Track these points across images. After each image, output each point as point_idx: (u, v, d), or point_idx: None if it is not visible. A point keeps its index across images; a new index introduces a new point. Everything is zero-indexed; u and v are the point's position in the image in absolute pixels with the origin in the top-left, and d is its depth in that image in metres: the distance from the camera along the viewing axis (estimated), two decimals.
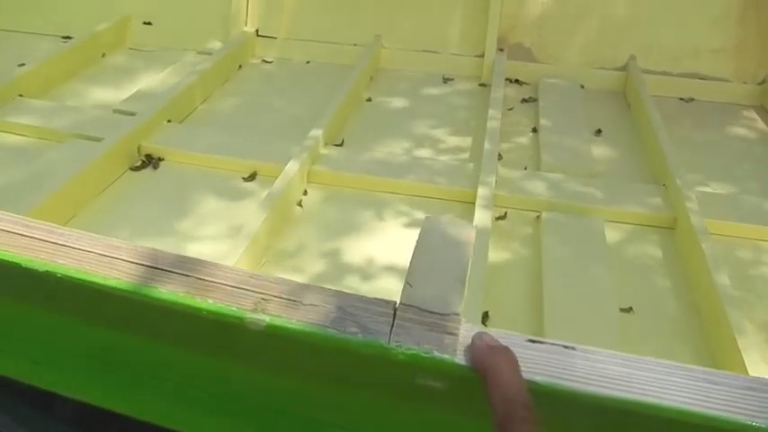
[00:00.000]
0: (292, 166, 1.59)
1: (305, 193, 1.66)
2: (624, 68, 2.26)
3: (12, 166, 1.68)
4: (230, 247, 1.31)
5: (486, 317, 1.26)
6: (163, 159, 1.76)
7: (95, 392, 0.89)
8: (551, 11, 2.31)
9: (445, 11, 2.36)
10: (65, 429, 1.37)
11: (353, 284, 1.36)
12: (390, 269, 1.42)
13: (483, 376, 0.49)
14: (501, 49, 2.30)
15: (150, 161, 1.76)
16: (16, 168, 1.66)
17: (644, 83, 2.11)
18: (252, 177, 1.70)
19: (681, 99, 2.21)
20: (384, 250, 1.46)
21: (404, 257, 1.42)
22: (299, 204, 1.61)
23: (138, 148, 1.76)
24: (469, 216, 1.50)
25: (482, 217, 1.45)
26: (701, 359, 1.22)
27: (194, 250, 1.43)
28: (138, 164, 1.74)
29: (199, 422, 0.75)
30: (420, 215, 1.59)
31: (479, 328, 0.53)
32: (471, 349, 0.52)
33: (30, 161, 1.69)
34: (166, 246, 1.44)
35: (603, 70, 2.28)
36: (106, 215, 1.54)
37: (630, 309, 1.33)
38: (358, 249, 1.46)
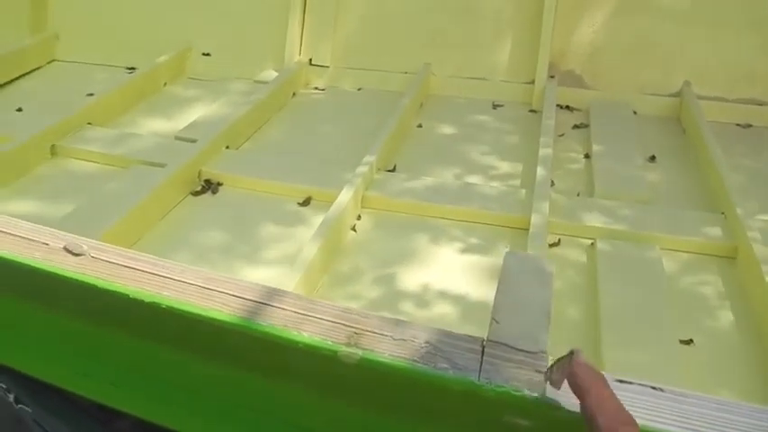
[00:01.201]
0: (346, 192, 1.62)
1: (359, 218, 1.69)
2: (678, 95, 2.24)
3: (81, 191, 1.76)
4: (288, 272, 1.34)
5: (571, 354, 1.25)
6: (222, 184, 1.82)
7: (169, 415, 0.92)
8: (603, 37, 2.31)
9: (494, 38, 2.38)
10: None
11: (409, 311, 1.38)
12: (445, 296, 1.43)
13: (582, 393, 0.50)
14: (552, 76, 2.30)
15: (210, 186, 1.82)
16: (86, 193, 1.74)
17: (699, 108, 2.09)
18: (307, 202, 1.75)
19: (737, 125, 2.17)
20: (438, 276, 1.47)
21: (458, 284, 1.44)
22: (354, 229, 1.64)
23: (199, 174, 1.83)
24: (523, 242, 1.50)
25: (536, 244, 1.45)
26: (767, 395, 1.18)
27: (252, 275, 1.47)
28: (198, 189, 1.80)
29: None
30: (473, 241, 1.60)
31: (571, 349, 0.54)
32: (572, 365, 0.52)
33: (98, 186, 1.77)
34: (226, 270, 1.48)
35: (656, 96, 2.26)
36: (168, 239, 1.60)
37: (691, 341, 1.30)
38: (412, 275, 1.48)
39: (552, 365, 0.52)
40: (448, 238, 1.62)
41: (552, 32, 2.29)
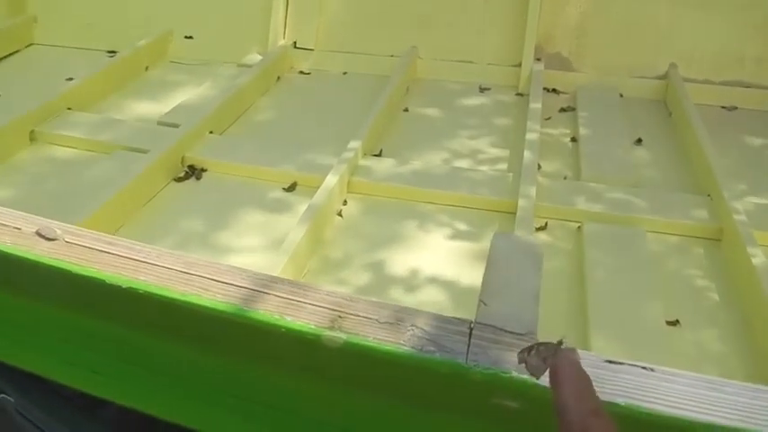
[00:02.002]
0: (332, 177, 1.61)
1: (345, 203, 1.67)
2: (664, 77, 2.24)
3: (62, 177, 1.73)
4: (273, 258, 1.33)
5: (561, 343, 1.25)
6: (206, 170, 1.79)
7: (156, 403, 0.91)
8: (589, 20, 2.30)
9: (481, 21, 2.36)
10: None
11: (397, 296, 1.37)
12: (433, 280, 1.42)
13: (557, 387, 0.44)
14: (538, 59, 2.29)
15: (193, 172, 1.79)
16: (66, 179, 1.71)
17: (685, 91, 2.09)
18: (292, 188, 1.73)
19: (723, 107, 2.17)
20: (426, 261, 1.46)
21: (446, 269, 1.44)
22: (340, 214, 1.63)
23: (182, 160, 1.80)
24: (510, 226, 1.50)
25: (523, 228, 1.45)
26: (752, 374, 1.19)
27: (237, 261, 1.45)
28: (182, 175, 1.78)
29: None
30: (461, 226, 1.59)
31: (561, 338, 0.53)
32: (559, 358, 0.46)
33: (79, 172, 1.74)
34: (210, 256, 1.46)
35: (643, 79, 2.25)
36: (152, 225, 1.58)
37: (677, 322, 1.31)
38: (399, 260, 1.47)
39: (532, 347, 0.48)
40: (435, 222, 1.61)
41: (539, 15, 2.27)
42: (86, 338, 0.84)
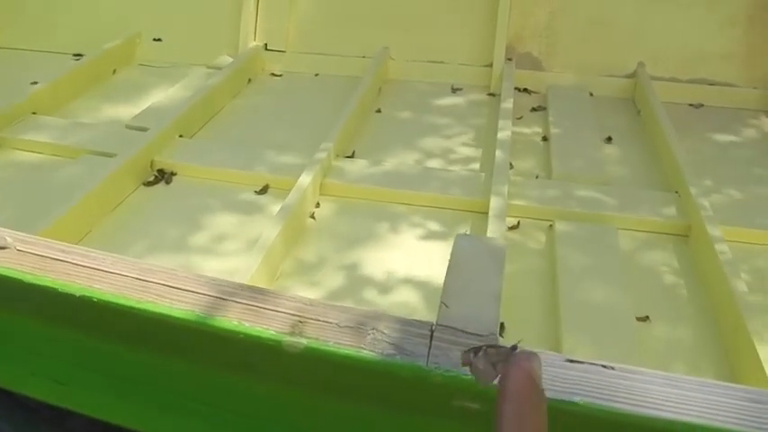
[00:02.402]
0: (304, 179, 1.60)
1: (317, 205, 1.66)
2: (633, 75, 2.27)
3: (26, 183, 1.69)
4: (245, 262, 1.31)
5: (502, 328, 1.26)
6: (175, 174, 1.77)
7: (118, 412, 0.89)
8: (559, 20, 2.32)
9: (452, 21, 2.37)
10: None
11: (371, 297, 1.36)
12: (407, 281, 1.41)
13: (504, 399, 0.39)
14: (509, 59, 2.30)
15: (163, 176, 1.76)
16: (31, 185, 1.67)
17: (653, 90, 2.12)
18: (264, 190, 1.71)
19: (690, 105, 2.21)
20: (399, 262, 1.46)
21: (419, 269, 1.43)
22: (312, 217, 1.62)
23: (151, 164, 1.77)
24: (482, 226, 1.50)
25: (495, 227, 1.46)
26: (720, 368, 1.21)
27: (209, 265, 1.44)
28: (151, 179, 1.75)
29: None
30: (433, 226, 1.59)
31: (517, 342, 0.53)
32: (512, 365, 0.41)
33: (44, 178, 1.70)
34: (180, 261, 1.44)
35: (612, 78, 2.28)
36: (120, 231, 1.55)
37: (647, 317, 1.32)
38: (373, 261, 1.47)
39: (480, 349, 0.45)
40: (408, 223, 1.61)
41: (509, 15, 2.29)
42: (47, 348, 0.81)
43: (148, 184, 1.74)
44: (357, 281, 1.41)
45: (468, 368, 0.43)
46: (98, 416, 0.95)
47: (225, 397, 0.74)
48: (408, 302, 1.34)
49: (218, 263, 1.44)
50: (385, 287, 1.40)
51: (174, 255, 1.46)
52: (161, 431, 0.85)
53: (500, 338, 1.20)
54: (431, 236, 1.56)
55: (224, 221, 1.59)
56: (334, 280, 1.42)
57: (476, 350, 0.43)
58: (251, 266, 1.29)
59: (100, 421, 0.98)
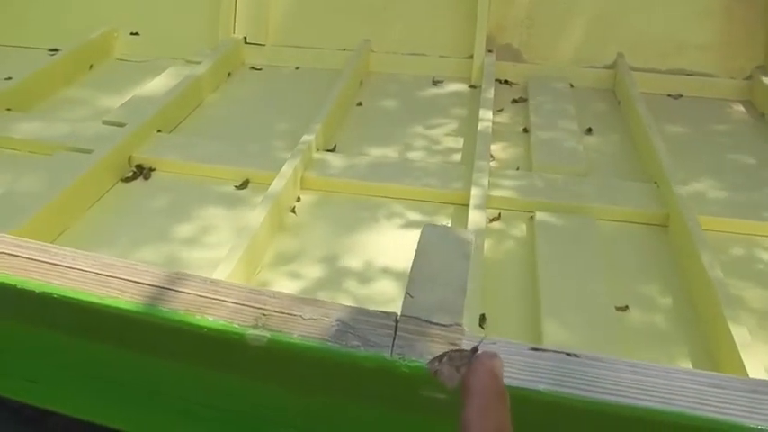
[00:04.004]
0: (285, 173, 1.58)
1: (298, 199, 1.65)
2: (613, 66, 2.27)
3: (0, 181, 1.66)
4: (225, 257, 1.30)
5: (483, 319, 1.26)
6: (154, 170, 1.75)
7: (92, 409, 0.88)
8: (539, 11, 2.32)
9: (433, 13, 2.36)
10: None
11: (351, 289, 1.36)
12: (387, 273, 1.41)
13: (468, 397, 0.41)
14: (490, 51, 2.30)
15: (141, 172, 1.74)
16: (5, 183, 1.64)
17: (633, 80, 2.13)
18: (244, 185, 1.70)
19: (669, 96, 2.22)
20: (380, 255, 1.46)
21: (400, 261, 1.43)
22: (293, 211, 1.61)
23: (129, 159, 1.75)
24: (463, 218, 1.50)
25: (476, 219, 1.46)
26: (699, 355, 1.22)
27: (189, 261, 1.42)
28: (130, 175, 1.73)
29: None
30: (414, 218, 1.59)
31: (481, 338, 0.53)
32: (475, 363, 0.43)
33: (19, 175, 1.67)
34: (161, 257, 1.43)
35: (592, 69, 2.29)
36: (98, 228, 1.53)
37: (626, 307, 1.33)
38: (354, 254, 1.46)
39: (444, 355, 0.45)
40: (389, 216, 1.60)
41: (489, 7, 2.28)
42: (16, 347, 0.80)
43: (127, 180, 1.72)
44: (337, 273, 1.41)
45: (435, 375, 0.44)
46: (72, 413, 0.94)
47: (195, 391, 0.73)
48: (388, 293, 1.34)
49: (197, 258, 1.43)
50: (365, 278, 1.39)
51: (153, 251, 1.45)
52: (136, 427, 0.84)
53: (480, 329, 1.20)
54: (411, 227, 1.56)
55: (204, 217, 1.58)
56: (315, 272, 1.41)
57: (440, 357, 0.44)
58: (231, 261, 1.28)
59: (80, 420, 0.97)
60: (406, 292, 0.56)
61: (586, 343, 1.21)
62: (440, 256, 0.57)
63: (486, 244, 1.46)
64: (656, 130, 1.83)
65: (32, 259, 0.58)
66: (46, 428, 1.43)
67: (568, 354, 0.52)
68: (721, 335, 1.19)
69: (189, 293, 0.56)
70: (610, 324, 1.27)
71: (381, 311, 0.56)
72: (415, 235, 1.56)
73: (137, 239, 1.49)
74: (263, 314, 0.54)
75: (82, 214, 1.56)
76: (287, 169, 1.60)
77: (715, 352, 1.22)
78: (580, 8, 2.30)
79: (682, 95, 2.22)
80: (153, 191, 1.68)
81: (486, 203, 1.53)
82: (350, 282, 1.39)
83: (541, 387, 0.50)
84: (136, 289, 0.56)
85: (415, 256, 0.59)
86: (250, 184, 1.69)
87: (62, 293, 0.56)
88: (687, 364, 1.21)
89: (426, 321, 0.53)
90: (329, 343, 0.52)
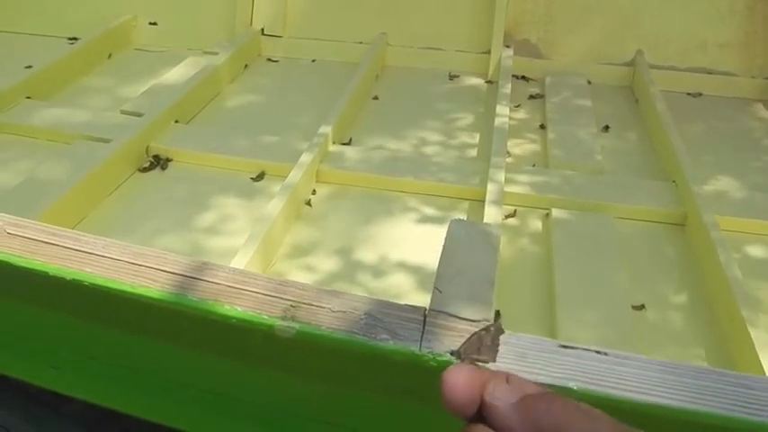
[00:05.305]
0: (301, 165, 1.59)
1: (314, 192, 1.65)
2: (631, 63, 2.25)
3: (20, 169, 1.68)
4: (241, 248, 1.31)
5: (498, 315, 1.26)
6: (171, 160, 1.76)
7: (113, 397, 0.89)
8: (558, 6, 2.31)
9: (450, 7, 2.35)
10: (73, 427, 1.39)
11: (366, 283, 1.36)
12: (402, 267, 1.41)
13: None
14: (507, 46, 2.29)
15: (158, 162, 1.75)
16: (25, 171, 1.66)
17: (651, 78, 2.11)
18: (260, 177, 1.70)
19: (688, 94, 2.20)
20: (395, 248, 1.46)
21: (414, 255, 1.43)
22: (308, 203, 1.61)
23: (147, 149, 1.76)
24: (479, 214, 1.50)
25: (491, 215, 1.45)
26: (716, 356, 1.22)
27: (204, 251, 1.43)
28: (147, 165, 1.74)
29: (222, 428, 0.75)
30: (429, 212, 1.59)
31: (510, 333, 0.53)
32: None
33: (38, 163, 1.69)
34: (177, 247, 1.44)
35: (611, 65, 2.27)
36: (116, 217, 1.54)
37: (643, 306, 1.32)
38: (369, 248, 1.46)
39: (466, 344, 0.43)
40: (404, 210, 1.60)
41: (507, 1, 2.27)
42: (40, 333, 0.81)
43: (144, 170, 1.73)
44: (353, 266, 1.41)
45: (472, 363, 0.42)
46: (93, 400, 0.95)
47: (218, 382, 0.74)
48: (403, 288, 1.34)
49: (213, 249, 1.44)
50: (380, 273, 1.40)
51: (169, 241, 1.46)
52: (155, 415, 0.85)
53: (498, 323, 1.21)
54: (426, 222, 1.56)
55: (220, 208, 1.59)
56: (330, 265, 1.42)
57: (465, 349, 0.42)
58: (247, 253, 1.28)
59: (97, 406, 0.99)
60: (435, 287, 0.56)
61: (602, 341, 1.21)
62: (467, 251, 0.57)
63: (502, 240, 1.45)
64: (675, 129, 1.82)
65: (65, 247, 0.59)
66: (63, 414, 1.44)
67: (597, 351, 0.52)
68: (739, 335, 1.18)
69: (219, 284, 0.57)
70: (626, 323, 1.26)
71: (410, 306, 0.56)
72: (429, 229, 1.58)
73: (153, 229, 1.50)
74: (292, 305, 0.54)
75: (100, 203, 1.57)
76: (303, 161, 1.60)
77: (732, 353, 1.21)
78: (599, 4, 2.28)
79: (701, 94, 2.20)
80: (170, 181, 1.69)
81: (501, 200, 1.52)
82: (364, 275, 1.39)
83: (572, 384, 0.50)
84: (166, 278, 0.56)
85: (443, 250, 0.59)
86: (266, 176, 1.70)
87: (93, 281, 0.56)
88: (704, 365, 1.20)
89: (454, 316, 0.53)
90: (358, 335, 0.52)
